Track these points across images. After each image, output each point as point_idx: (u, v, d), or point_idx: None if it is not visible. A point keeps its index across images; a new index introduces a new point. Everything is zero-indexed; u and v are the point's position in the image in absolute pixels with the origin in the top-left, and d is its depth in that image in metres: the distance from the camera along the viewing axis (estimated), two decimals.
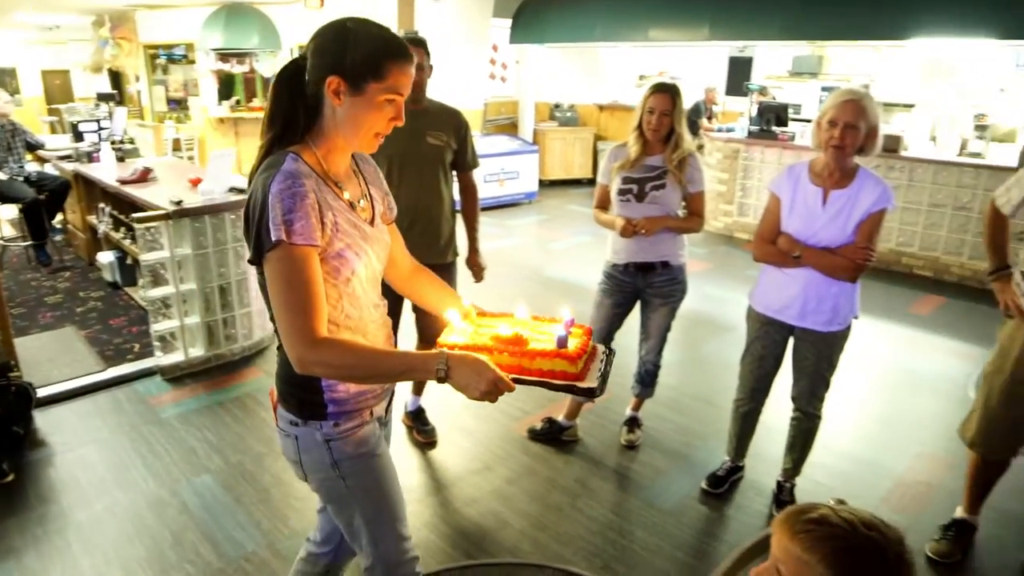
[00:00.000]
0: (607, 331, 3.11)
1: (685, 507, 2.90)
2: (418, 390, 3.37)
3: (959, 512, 2.75)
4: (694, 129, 8.11)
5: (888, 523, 1.06)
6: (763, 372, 2.76)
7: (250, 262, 1.40)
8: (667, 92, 2.78)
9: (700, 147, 8.04)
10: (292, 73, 1.42)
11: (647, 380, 3.22)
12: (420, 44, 2.73)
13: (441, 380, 1.35)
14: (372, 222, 1.54)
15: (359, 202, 1.52)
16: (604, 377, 1.48)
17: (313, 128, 1.44)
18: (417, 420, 3.35)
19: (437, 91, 2.91)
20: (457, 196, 3.08)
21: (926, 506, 2.95)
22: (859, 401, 3.89)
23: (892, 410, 3.83)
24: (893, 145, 6.22)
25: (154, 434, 3.34)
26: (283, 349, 1.46)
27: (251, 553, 2.56)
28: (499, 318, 1.66)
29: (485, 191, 7.93)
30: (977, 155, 6.29)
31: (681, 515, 2.84)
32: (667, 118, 2.79)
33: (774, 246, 2.56)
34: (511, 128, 10.17)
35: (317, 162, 1.43)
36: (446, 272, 2.94)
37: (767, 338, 2.69)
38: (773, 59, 8.93)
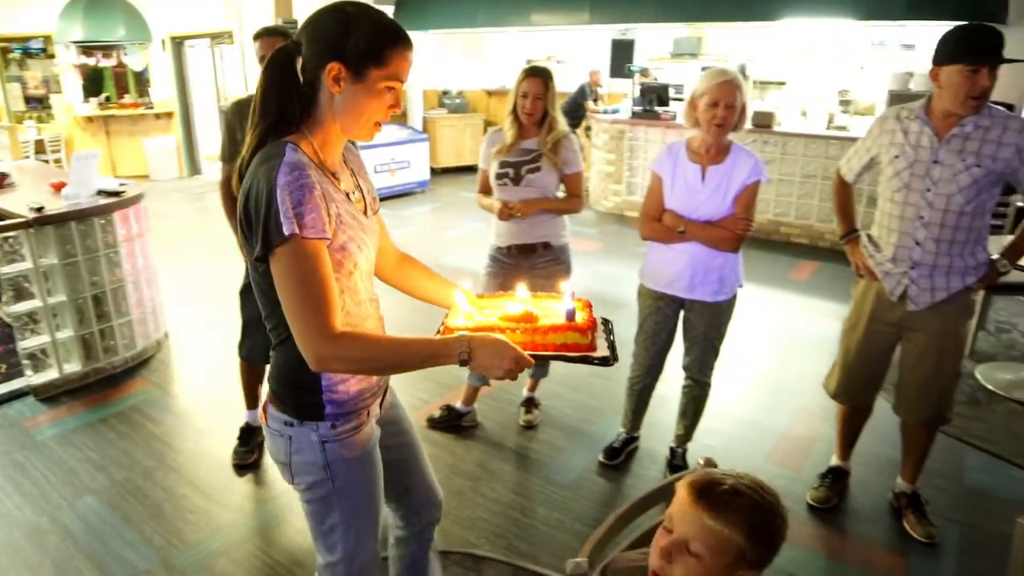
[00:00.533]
0: None
1: (584, 481, 2.98)
2: None
3: (834, 460, 2.97)
4: (580, 112, 8.25)
5: (765, 483, 1.17)
6: (657, 348, 2.85)
7: (256, 259, 1.33)
8: (539, 76, 2.82)
9: (588, 129, 8.20)
10: (284, 59, 1.36)
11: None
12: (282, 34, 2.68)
13: (463, 363, 1.34)
14: (365, 213, 1.50)
15: (353, 193, 1.48)
16: (612, 346, 1.52)
17: (309, 117, 1.39)
18: None
19: None
20: None
21: (807, 458, 3.16)
22: (745, 365, 4.10)
23: (775, 371, 4.07)
24: (767, 121, 6.55)
25: (29, 459, 3.12)
26: (281, 348, 1.45)
27: (143, 572, 2.44)
28: (499, 298, 1.70)
29: (377, 181, 7.82)
30: (843, 128, 6.72)
31: (580, 489, 2.93)
32: (540, 101, 2.82)
33: (660, 223, 2.65)
34: (400, 117, 10.06)
35: (314, 152, 1.38)
36: None
37: (659, 313, 2.78)
38: (655, 41, 9.19)
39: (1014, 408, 3.69)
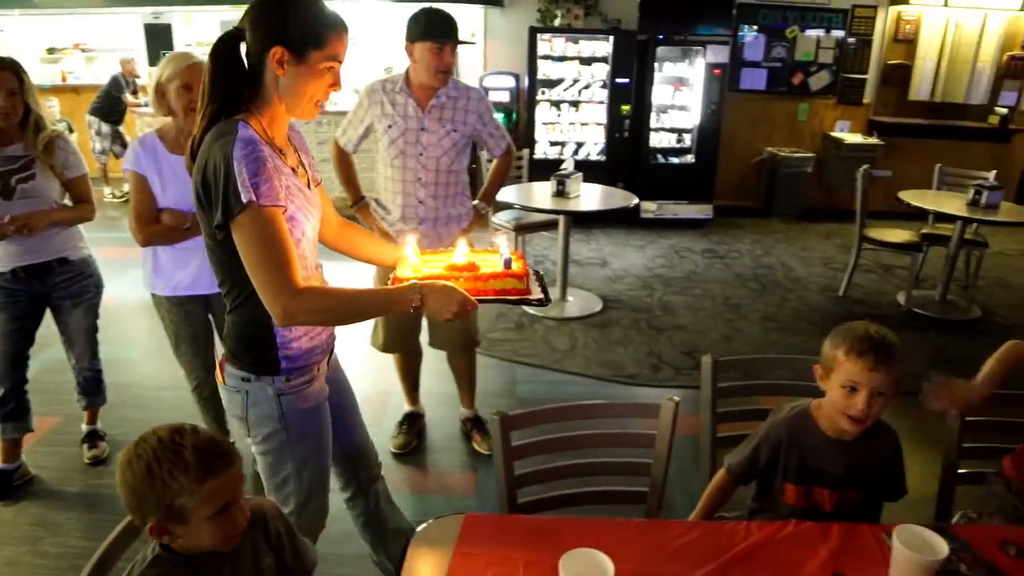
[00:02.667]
0: (13, 351, 2.70)
1: None
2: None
3: (406, 407, 3.26)
4: (120, 106, 7.46)
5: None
6: (204, 351, 2.70)
7: (217, 227, 1.43)
8: (6, 68, 2.44)
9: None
10: (228, 45, 1.46)
11: (91, 388, 2.96)
12: None
13: (416, 308, 1.51)
14: (308, 186, 1.62)
15: (297, 168, 1.60)
16: (545, 290, 1.72)
17: (255, 98, 1.49)
18: None
19: None
20: None
21: (385, 411, 3.40)
22: None
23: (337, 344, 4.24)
24: None
25: None
26: (238, 311, 1.57)
27: None
28: (441, 254, 1.86)
29: None
30: None
31: None
32: (16, 97, 2.45)
33: (160, 225, 2.46)
34: None
35: (263, 130, 1.49)
36: None
37: (190, 318, 2.62)
38: (199, 25, 8.66)
39: (549, 324, 4.45)
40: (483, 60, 7.20)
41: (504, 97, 6.80)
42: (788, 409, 1.70)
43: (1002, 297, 5.43)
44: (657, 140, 6.75)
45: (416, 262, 1.77)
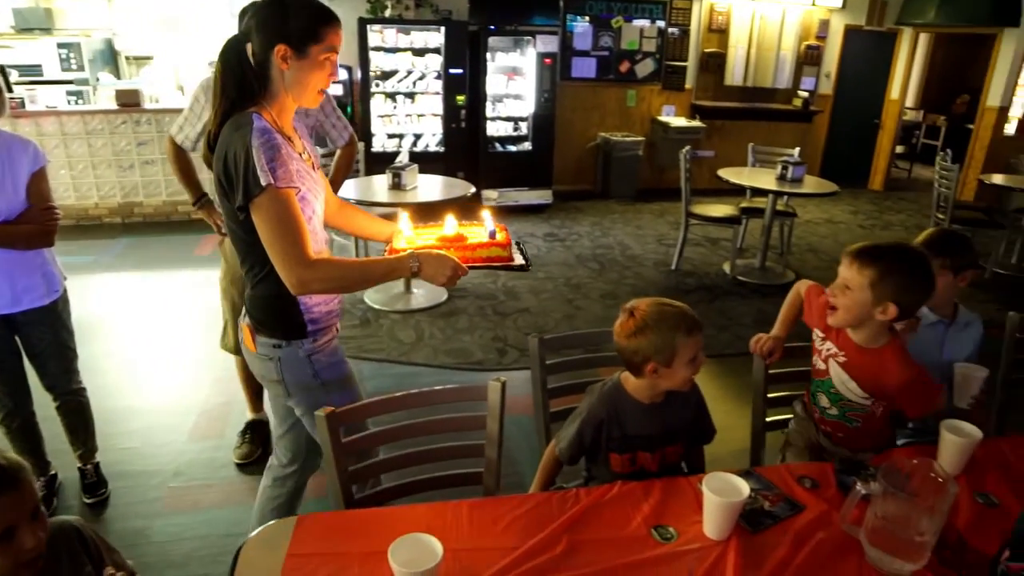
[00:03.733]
0: None
1: None
2: None
3: (249, 415, 3.10)
4: None
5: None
6: (11, 377, 2.48)
7: (239, 209, 1.59)
8: None
9: None
10: (236, 47, 1.64)
11: None
12: None
13: (415, 274, 1.69)
14: (313, 168, 1.79)
15: (303, 153, 1.75)
16: (526, 257, 1.91)
17: (264, 92, 1.65)
18: None
19: None
20: None
21: (227, 422, 3.23)
22: (150, 352, 3.95)
23: (186, 350, 3.98)
24: (134, 99, 6.22)
25: None
26: (262, 285, 1.73)
27: None
28: (432, 227, 1.99)
29: None
30: None
31: None
32: None
33: None
34: None
35: (273, 120, 1.65)
36: None
37: None
38: None
39: (395, 318, 4.40)
40: None
41: (337, 90, 6.62)
42: (600, 387, 1.76)
43: (812, 261, 5.99)
44: (494, 129, 6.84)
45: (411, 235, 1.94)
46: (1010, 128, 8.91)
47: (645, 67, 7.85)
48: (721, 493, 1.40)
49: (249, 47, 1.63)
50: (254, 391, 3.08)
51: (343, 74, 6.59)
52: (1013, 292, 5.71)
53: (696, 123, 7.92)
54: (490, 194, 6.71)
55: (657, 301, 1.67)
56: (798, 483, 1.63)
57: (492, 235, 1.90)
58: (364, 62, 6.36)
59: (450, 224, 1.97)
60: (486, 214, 1.99)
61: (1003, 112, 8.69)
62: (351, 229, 2.12)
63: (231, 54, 1.64)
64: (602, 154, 7.80)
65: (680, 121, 7.88)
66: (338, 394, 1.84)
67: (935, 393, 1.81)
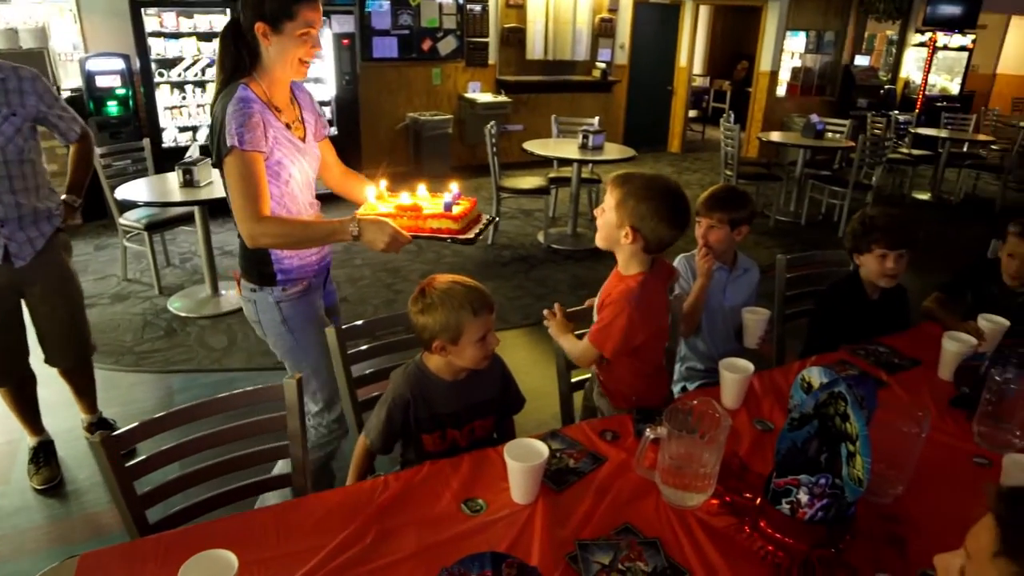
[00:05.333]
0: None
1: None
2: None
3: (31, 440, 2.82)
4: None
5: None
6: None
7: (213, 166, 1.88)
8: None
9: None
10: (231, 27, 1.86)
11: None
12: None
13: (355, 238, 1.85)
14: (304, 139, 2.01)
15: (292, 123, 1.97)
16: (479, 233, 1.97)
17: (256, 66, 1.87)
18: None
19: None
20: None
21: (17, 459, 2.87)
22: None
23: None
24: None
25: None
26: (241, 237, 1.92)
27: None
28: (394, 196, 2.05)
29: None
30: None
31: None
32: None
33: None
34: None
35: (263, 92, 1.87)
36: None
37: None
38: None
39: (204, 324, 4.12)
40: (82, 41, 6.27)
41: (114, 82, 6.00)
42: (404, 369, 1.75)
43: None
44: None
45: (374, 202, 2.01)
46: (781, 90, 9.90)
47: (447, 44, 7.84)
48: (522, 459, 1.43)
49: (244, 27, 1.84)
50: (29, 414, 2.76)
51: (117, 63, 5.98)
52: (794, 237, 6.37)
53: (502, 98, 8.05)
54: None
55: (450, 279, 1.67)
56: (600, 437, 1.71)
57: (447, 208, 1.94)
58: (142, 50, 5.81)
59: (406, 195, 2.05)
60: (454, 185, 2.07)
61: (774, 76, 9.62)
62: (350, 196, 2.24)
63: (228, 32, 1.87)
64: (412, 134, 7.72)
65: (486, 97, 7.97)
66: (303, 339, 2.06)
67: (599, 339, 1.83)
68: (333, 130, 6.69)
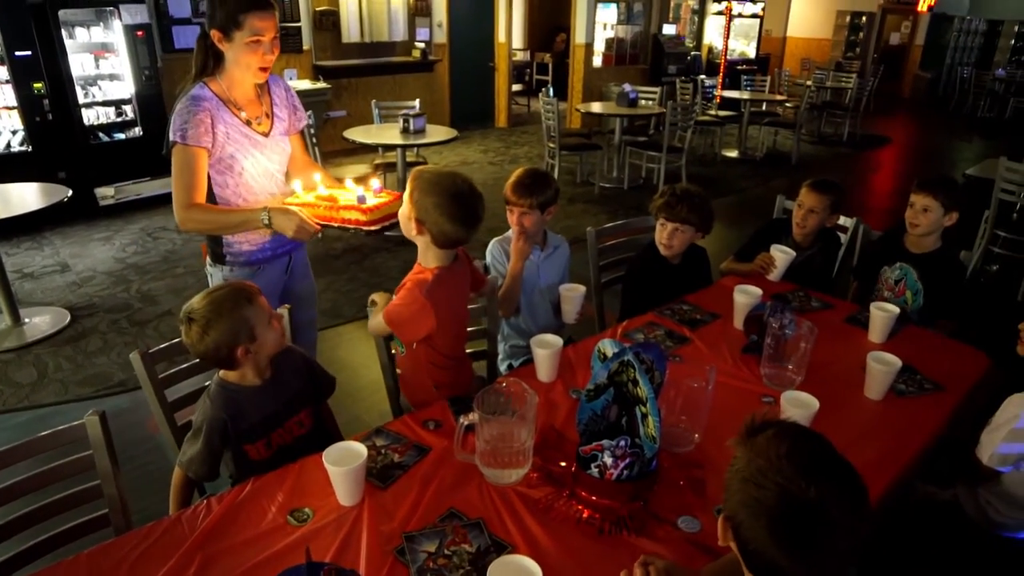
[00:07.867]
0: None
1: None
2: None
3: None
4: None
5: None
6: None
7: (163, 156, 2.02)
8: None
9: None
10: (201, 33, 2.00)
11: None
12: None
13: (267, 225, 2.00)
14: (268, 134, 2.15)
15: (256, 119, 2.12)
16: (385, 228, 2.06)
17: (218, 68, 2.04)
18: None
19: None
20: None
21: None
22: None
23: None
24: None
25: None
26: None
27: None
28: (334, 188, 2.16)
29: None
30: None
31: None
32: None
33: None
34: None
35: (223, 91, 2.04)
36: None
37: None
38: None
39: (7, 359, 3.75)
40: None
41: None
42: (207, 394, 1.71)
43: None
44: (94, 117, 5.99)
45: (300, 191, 2.13)
46: (597, 61, 10.31)
47: None
48: (342, 462, 1.45)
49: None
50: None
51: None
52: (618, 203, 6.72)
53: (321, 84, 7.82)
54: (106, 191, 5.94)
55: (206, 295, 1.66)
56: (423, 427, 1.77)
57: (360, 200, 2.02)
58: None
59: (348, 185, 2.13)
60: (375, 181, 2.15)
61: (589, 48, 10.00)
62: (306, 184, 2.27)
63: (200, 36, 2.01)
64: None
65: (304, 84, 7.71)
66: None
67: (390, 317, 1.86)
68: (136, 131, 6.23)
